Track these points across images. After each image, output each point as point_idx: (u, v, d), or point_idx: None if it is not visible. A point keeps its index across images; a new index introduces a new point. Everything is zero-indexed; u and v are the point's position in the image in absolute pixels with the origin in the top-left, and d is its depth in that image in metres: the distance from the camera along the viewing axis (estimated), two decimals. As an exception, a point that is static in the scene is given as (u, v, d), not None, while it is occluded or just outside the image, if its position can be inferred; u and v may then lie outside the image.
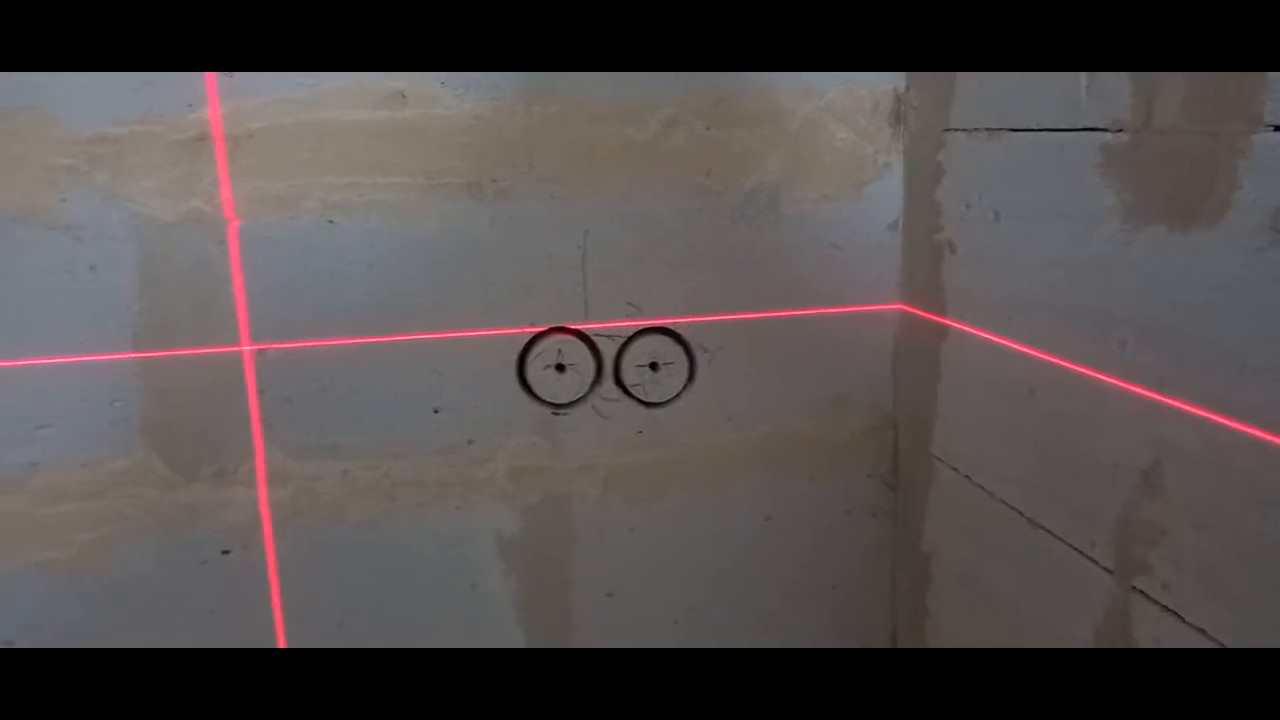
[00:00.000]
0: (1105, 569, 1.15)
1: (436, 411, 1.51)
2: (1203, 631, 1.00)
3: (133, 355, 1.40)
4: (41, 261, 1.35)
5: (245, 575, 1.49)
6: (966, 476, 1.46)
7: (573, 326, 1.53)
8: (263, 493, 1.48)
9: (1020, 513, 1.32)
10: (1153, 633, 1.08)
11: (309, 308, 1.45)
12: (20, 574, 1.43)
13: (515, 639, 1.61)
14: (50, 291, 1.36)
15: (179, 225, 1.38)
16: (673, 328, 1.56)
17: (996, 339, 1.35)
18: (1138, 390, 1.07)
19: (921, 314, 1.55)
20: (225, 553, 1.48)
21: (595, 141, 1.47)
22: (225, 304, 1.42)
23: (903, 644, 1.71)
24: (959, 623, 1.53)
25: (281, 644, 1.52)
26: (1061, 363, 1.20)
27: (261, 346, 1.44)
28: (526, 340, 1.52)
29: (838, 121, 1.54)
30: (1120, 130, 1.08)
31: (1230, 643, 0.97)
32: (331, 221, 1.42)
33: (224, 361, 1.44)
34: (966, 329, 1.43)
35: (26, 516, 1.41)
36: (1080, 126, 1.14)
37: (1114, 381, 1.10)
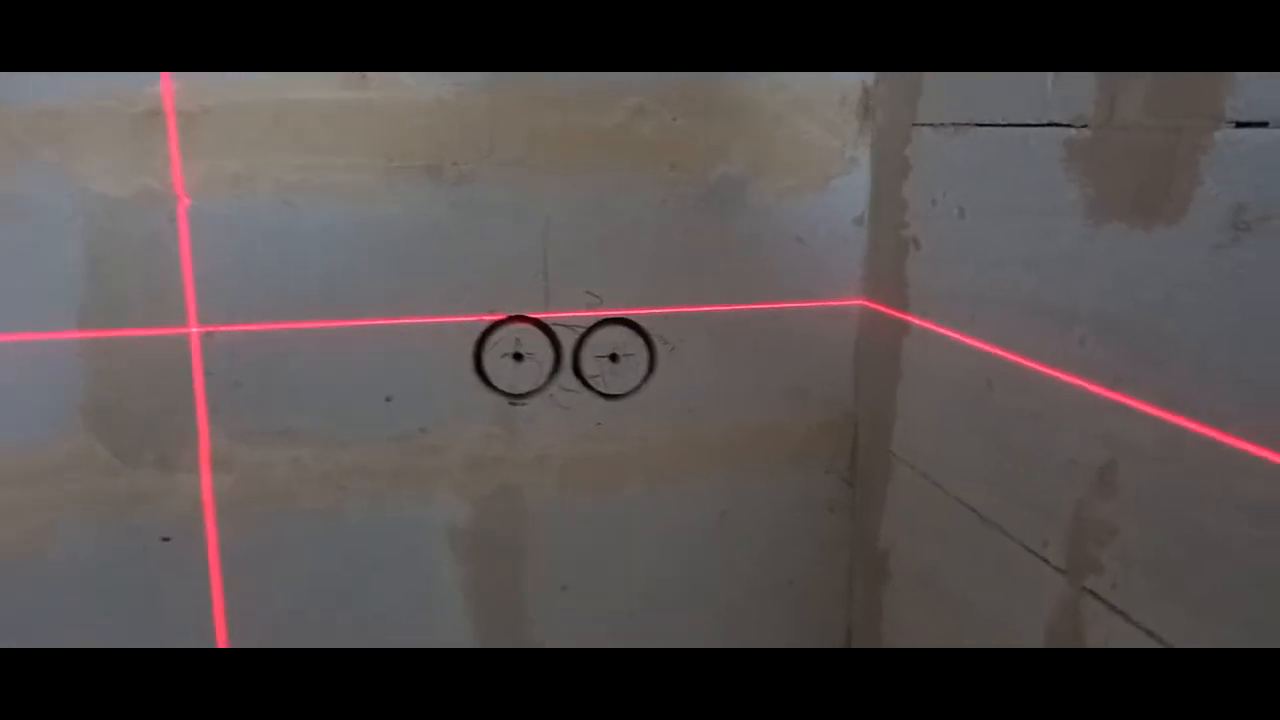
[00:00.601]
0: (1057, 569, 1.14)
1: (389, 399, 1.48)
2: (1150, 633, 1.00)
3: (77, 335, 1.35)
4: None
5: (185, 563, 1.45)
6: (924, 474, 1.45)
7: (532, 315, 1.51)
8: (206, 479, 1.44)
9: (975, 511, 1.31)
10: (1103, 632, 1.07)
11: (260, 290, 1.41)
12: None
13: (466, 631, 1.58)
14: (-13, 266, 1.32)
15: (129, 203, 1.34)
16: (634, 319, 1.54)
17: (957, 335, 1.34)
18: (1095, 388, 1.06)
19: (884, 309, 1.54)
20: (165, 539, 1.44)
21: (560, 128, 1.45)
22: (174, 285, 1.38)
23: (858, 641, 1.70)
24: (914, 621, 1.53)
25: (221, 632, 1.48)
26: (1021, 360, 1.19)
27: (209, 329, 1.40)
28: (484, 328, 1.49)
29: (806, 115, 1.53)
30: (1084, 126, 1.07)
31: (1176, 642, 0.97)
32: (287, 202, 1.39)
33: (170, 343, 1.39)
34: (928, 325, 1.42)
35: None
36: (1045, 122, 1.14)
37: (1072, 379, 1.10)
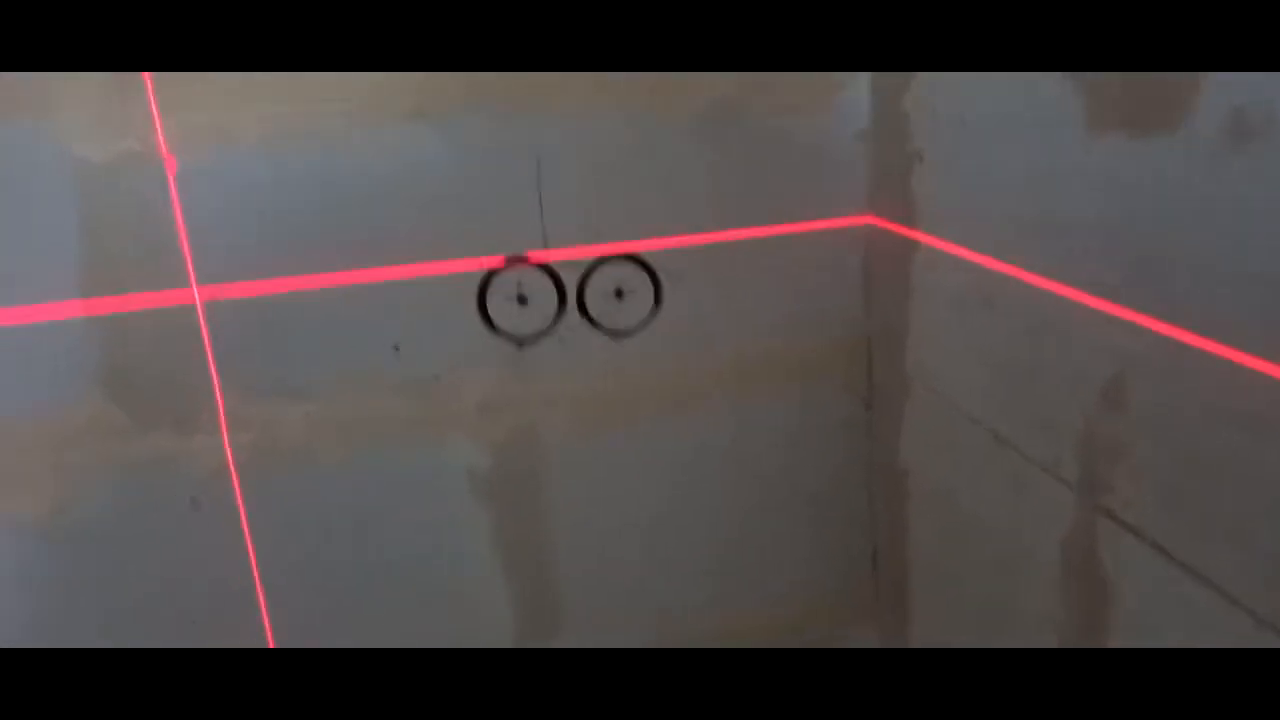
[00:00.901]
0: (1069, 485, 1.13)
1: (397, 349, 1.49)
2: (1161, 549, 0.99)
3: (79, 303, 1.36)
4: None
5: (215, 523, 1.49)
6: (937, 392, 1.43)
7: (532, 256, 1.49)
8: (225, 439, 1.46)
9: (990, 429, 1.30)
10: (1114, 550, 1.06)
11: (256, 246, 1.41)
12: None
13: (495, 574, 1.61)
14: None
15: (114, 166, 1.33)
16: (635, 254, 1.52)
17: (962, 251, 1.31)
18: (1098, 303, 1.03)
19: (891, 227, 1.50)
20: (193, 500, 1.47)
21: (543, 62, 1.41)
22: (170, 245, 1.38)
23: (884, 563, 1.71)
24: (936, 541, 1.53)
25: (259, 592, 1.52)
26: (1024, 275, 1.16)
27: (211, 288, 1.40)
28: (485, 274, 1.48)
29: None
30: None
31: (1186, 559, 0.96)
32: (271, 153, 1.37)
33: (173, 306, 1.40)
34: (934, 241, 1.39)
35: (-10, 473, 1.41)
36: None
37: (1074, 294, 1.07)
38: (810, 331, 1.61)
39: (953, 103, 1.30)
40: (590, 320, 1.54)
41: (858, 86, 1.50)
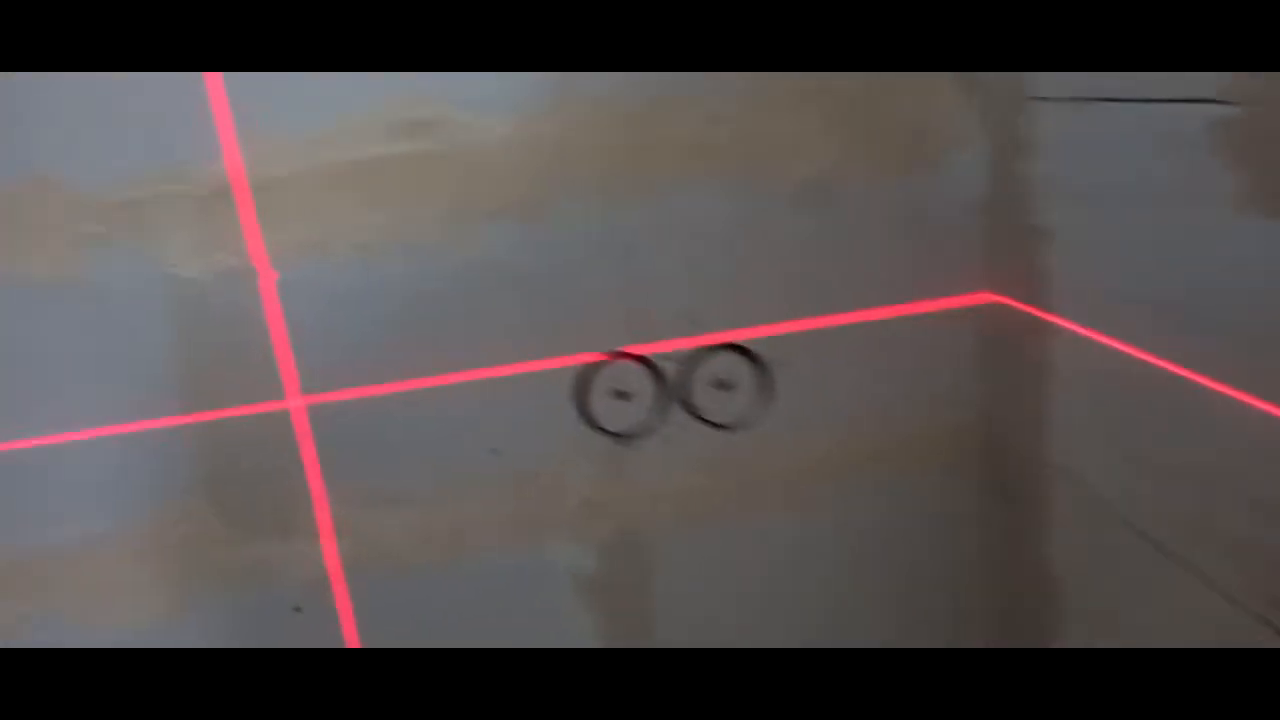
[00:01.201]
0: (1252, 613, 1.00)
1: (495, 451, 1.45)
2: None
3: (180, 420, 1.37)
4: (76, 332, 1.33)
5: (319, 629, 1.46)
6: (1075, 486, 1.30)
7: (631, 350, 1.44)
8: (328, 545, 1.44)
9: (1136, 529, 1.17)
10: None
11: (352, 353, 1.39)
12: (96, 638, 1.44)
13: (600, 675, 1.54)
14: (89, 361, 1.34)
15: (210, 281, 1.34)
16: (738, 342, 1.45)
17: (1103, 337, 1.19)
18: (1258, 402, 0.91)
19: (1015, 304, 1.39)
20: (297, 609, 1.45)
21: (633, 146, 1.36)
22: (266, 356, 1.38)
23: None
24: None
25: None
26: (1171, 366, 1.04)
27: (308, 399, 1.39)
28: (583, 369, 1.43)
29: (903, 90, 1.38)
30: (1234, 103, 0.91)
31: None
32: (364, 261, 1.36)
33: (272, 413, 1.40)
34: (1066, 323, 1.27)
35: (96, 585, 1.42)
36: (1186, 98, 0.97)
37: (1231, 391, 0.94)
38: (925, 418, 1.50)
39: (1078, 174, 1.19)
40: (693, 413, 1.47)
41: (969, 154, 1.41)
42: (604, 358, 1.43)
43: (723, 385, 1.47)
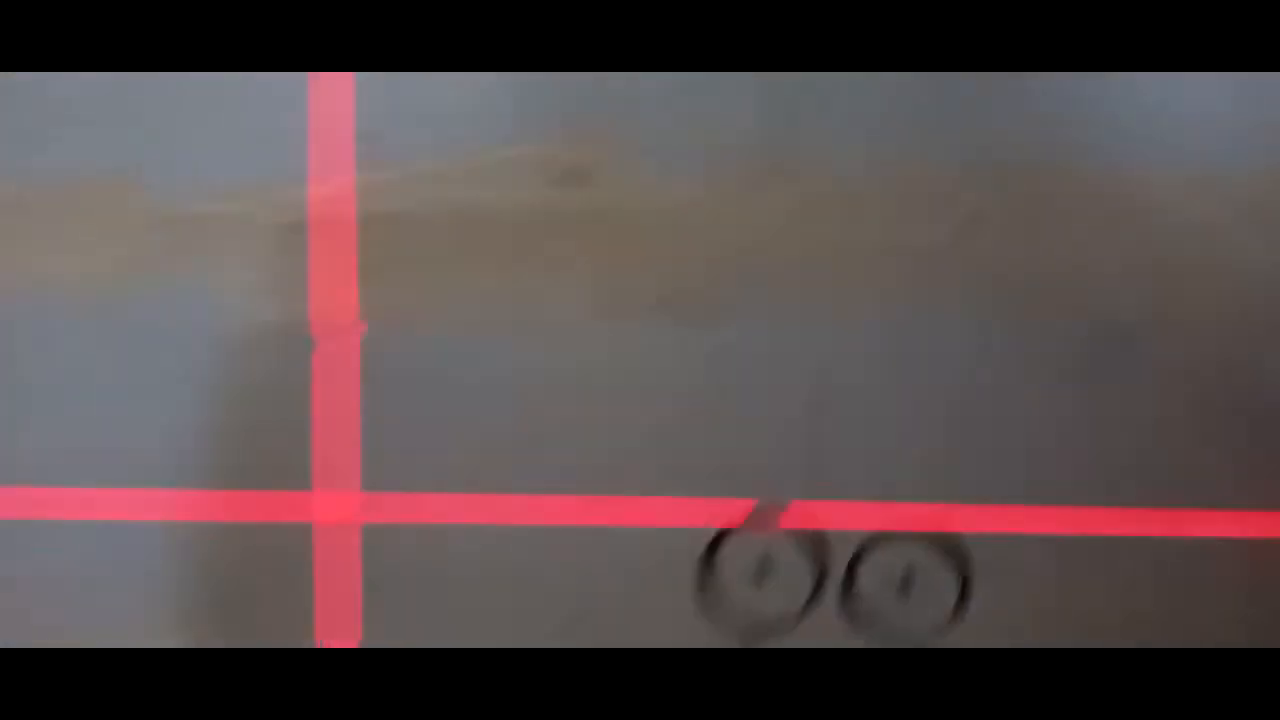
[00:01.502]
0: None
1: (575, 620, 1.03)
2: None
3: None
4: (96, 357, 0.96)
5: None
6: None
7: (788, 515, 1.02)
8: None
9: None
10: None
11: (426, 455, 1.00)
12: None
13: None
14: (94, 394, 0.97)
15: (266, 337, 0.96)
16: (940, 532, 1.02)
17: None
18: None
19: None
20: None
21: (853, 243, 0.96)
22: (301, 447, 0.99)
23: None
24: None
25: None
26: None
27: (371, 495, 1.00)
28: (717, 533, 1.02)
29: (1250, 221, 0.97)
30: None
31: None
32: (470, 341, 0.97)
33: (293, 526, 1.01)
34: None
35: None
36: None
37: None
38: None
39: None
40: (859, 616, 1.04)
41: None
42: (746, 519, 1.02)
43: (904, 582, 1.04)
